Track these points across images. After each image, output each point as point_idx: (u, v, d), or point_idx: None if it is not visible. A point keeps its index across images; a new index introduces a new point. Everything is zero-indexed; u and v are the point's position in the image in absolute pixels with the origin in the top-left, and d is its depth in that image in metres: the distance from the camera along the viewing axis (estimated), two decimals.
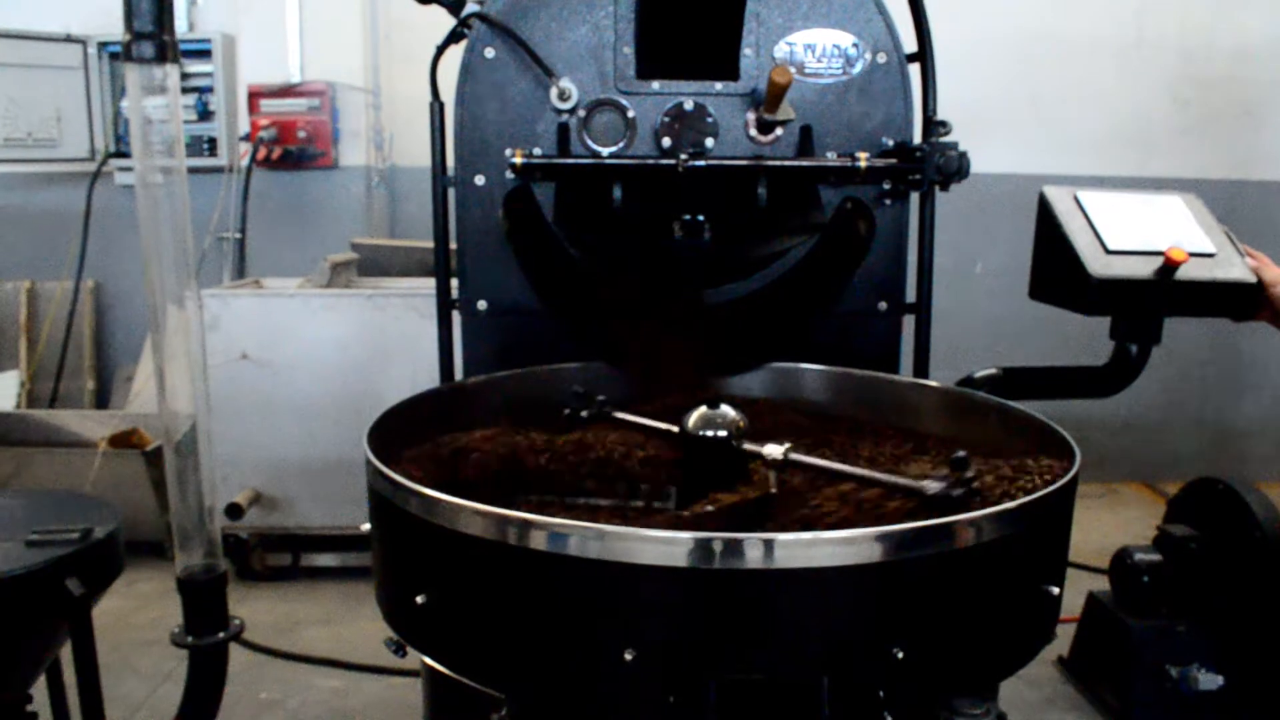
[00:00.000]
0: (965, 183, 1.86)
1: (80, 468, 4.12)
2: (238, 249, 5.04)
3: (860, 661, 1.05)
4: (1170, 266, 1.81)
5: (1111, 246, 1.86)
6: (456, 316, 1.98)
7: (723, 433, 1.40)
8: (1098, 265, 1.83)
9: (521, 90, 1.87)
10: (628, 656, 1.02)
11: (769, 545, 0.98)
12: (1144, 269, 1.83)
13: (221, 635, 2.05)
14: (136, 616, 3.82)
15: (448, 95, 1.91)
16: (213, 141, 5.10)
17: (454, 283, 1.99)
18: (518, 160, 1.78)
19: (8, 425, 4.52)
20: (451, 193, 1.93)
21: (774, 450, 1.31)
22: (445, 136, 1.94)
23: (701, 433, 1.40)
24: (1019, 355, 4.99)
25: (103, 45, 4.98)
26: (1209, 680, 3.03)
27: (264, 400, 3.97)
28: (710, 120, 1.87)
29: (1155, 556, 3.19)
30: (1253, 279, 1.81)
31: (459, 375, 2.00)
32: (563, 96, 1.83)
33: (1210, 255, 1.87)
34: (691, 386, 1.70)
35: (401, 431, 1.54)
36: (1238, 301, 1.84)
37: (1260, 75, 5.30)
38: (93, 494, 3.84)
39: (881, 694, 1.04)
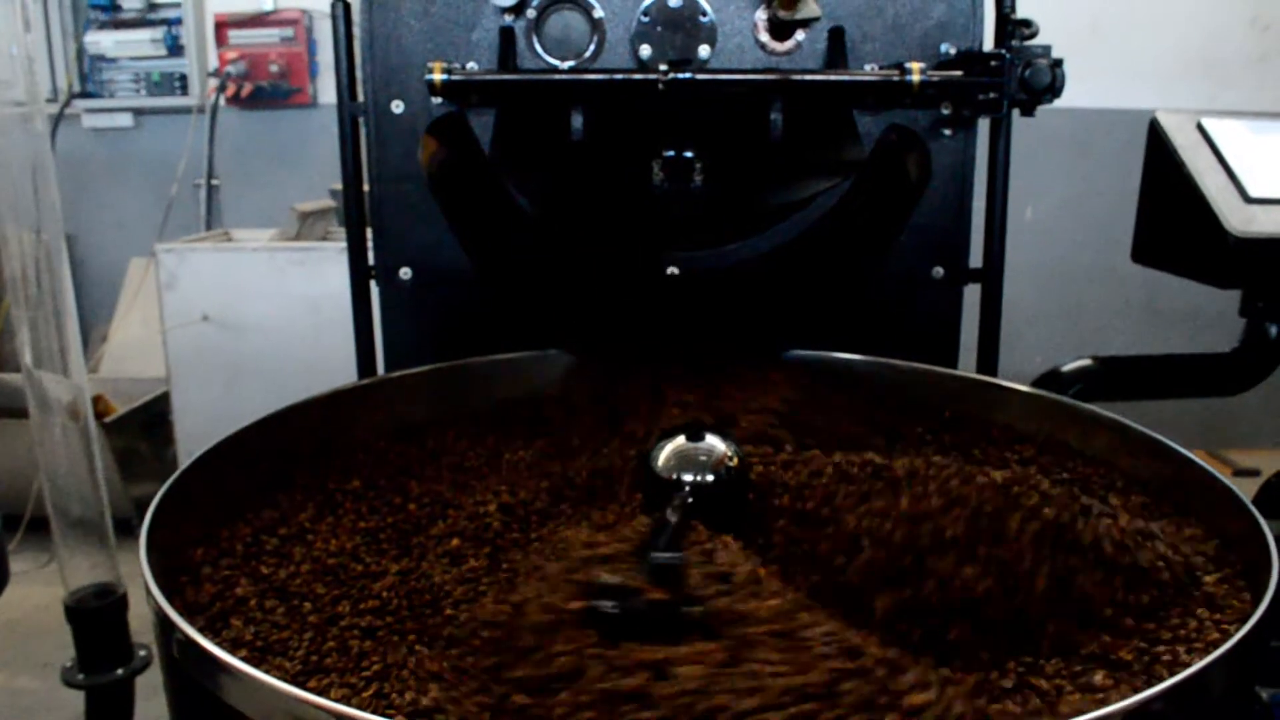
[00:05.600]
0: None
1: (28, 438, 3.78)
2: (207, 197, 4.60)
3: None
4: None
5: (1254, 193, 1.40)
6: None
7: (707, 476, 0.93)
8: (1237, 219, 1.36)
9: None
10: None
11: None
12: None
13: (121, 672, 1.70)
14: None
15: None
16: (184, 79, 4.66)
17: None
18: (436, 76, 1.29)
19: None
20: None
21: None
22: (354, 49, 1.47)
23: (677, 476, 0.94)
24: (1076, 317, 4.62)
25: None
26: None
27: (229, 367, 3.64)
28: (705, 20, 1.37)
29: None
30: None
31: (381, 365, 1.54)
32: None
33: None
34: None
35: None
36: None
37: None
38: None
39: None
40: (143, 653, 1.74)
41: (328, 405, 1.29)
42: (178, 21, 4.60)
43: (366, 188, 1.51)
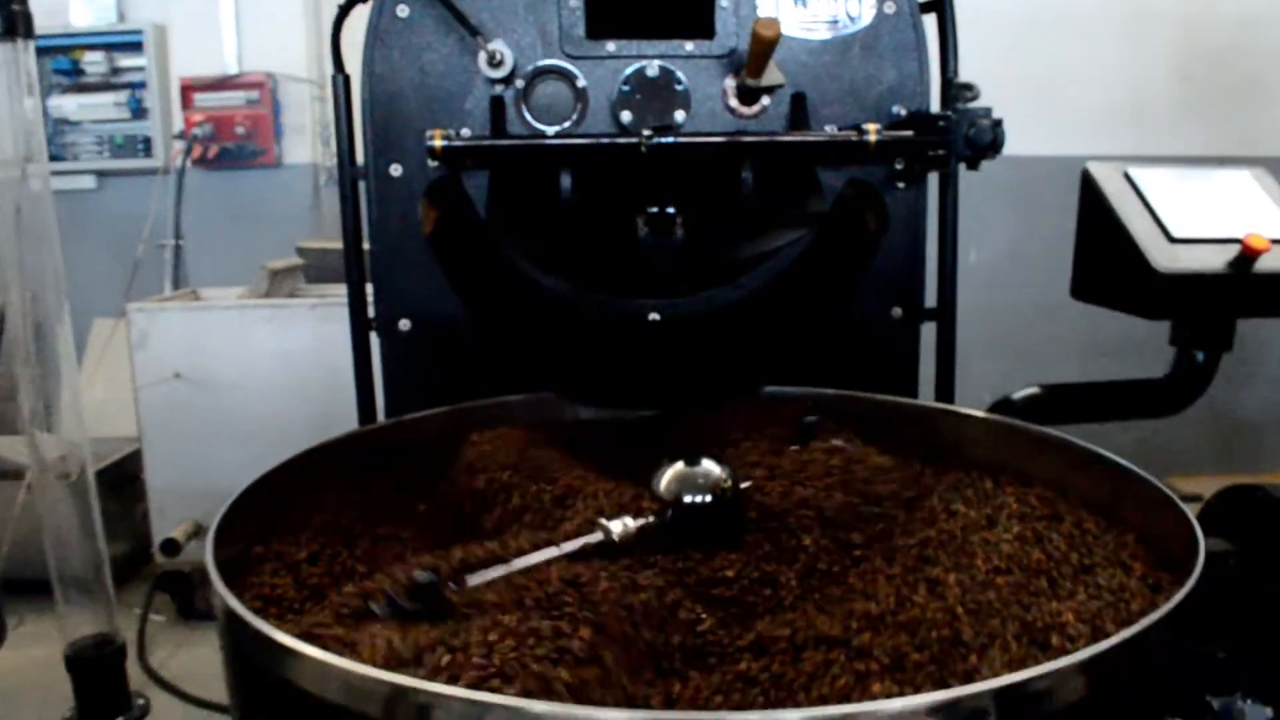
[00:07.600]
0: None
1: (10, 500, 3.76)
2: (174, 256, 4.64)
3: None
4: (1248, 256, 1.48)
5: (1176, 234, 1.54)
6: None
7: (706, 496, 1.04)
8: (1162, 257, 1.50)
9: (444, 57, 1.50)
10: None
11: None
12: (1217, 260, 1.51)
13: None
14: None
15: (356, 67, 1.55)
16: (148, 141, 4.73)
17: None
18: (437, 143, 1.41)
19: None
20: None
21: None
22: (354, 118, 1.58)
23: (680, 498, 1.04)
24: (1021, 352, 4.80)
25: None
26: (1256, 713, 2.68)
27: (202, 424, 3.61)
28: (680, 88, 1.51)
29: None
30: None
31: (381, 413, 1.63)
32: (494, 62, 1.47)
33: None
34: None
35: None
36: None
37: (1266, 45, 5.00)
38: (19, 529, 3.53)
39: None
40: (140, 702, 1.80)
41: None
42: (141, 85, 4.67)
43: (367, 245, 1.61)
